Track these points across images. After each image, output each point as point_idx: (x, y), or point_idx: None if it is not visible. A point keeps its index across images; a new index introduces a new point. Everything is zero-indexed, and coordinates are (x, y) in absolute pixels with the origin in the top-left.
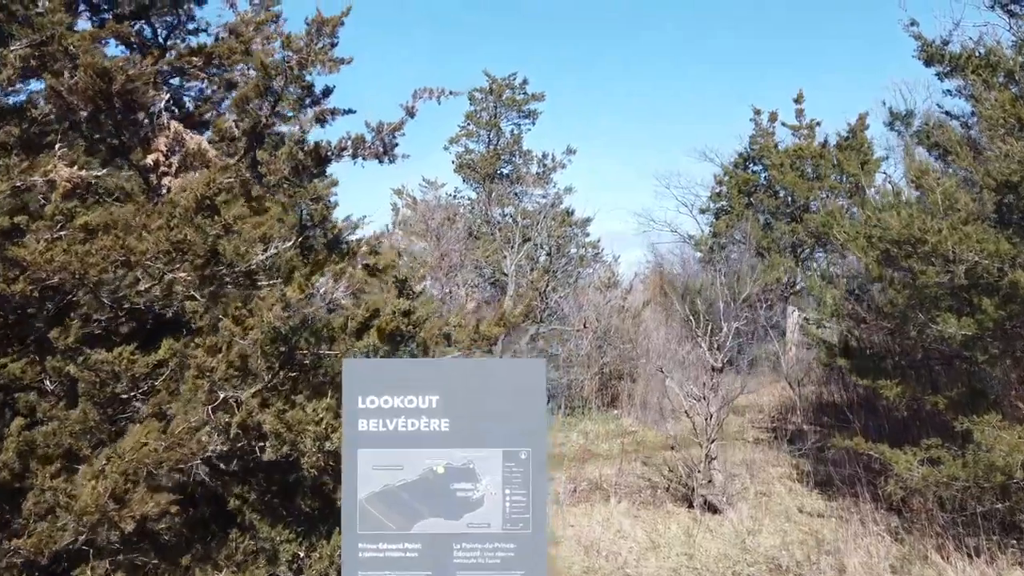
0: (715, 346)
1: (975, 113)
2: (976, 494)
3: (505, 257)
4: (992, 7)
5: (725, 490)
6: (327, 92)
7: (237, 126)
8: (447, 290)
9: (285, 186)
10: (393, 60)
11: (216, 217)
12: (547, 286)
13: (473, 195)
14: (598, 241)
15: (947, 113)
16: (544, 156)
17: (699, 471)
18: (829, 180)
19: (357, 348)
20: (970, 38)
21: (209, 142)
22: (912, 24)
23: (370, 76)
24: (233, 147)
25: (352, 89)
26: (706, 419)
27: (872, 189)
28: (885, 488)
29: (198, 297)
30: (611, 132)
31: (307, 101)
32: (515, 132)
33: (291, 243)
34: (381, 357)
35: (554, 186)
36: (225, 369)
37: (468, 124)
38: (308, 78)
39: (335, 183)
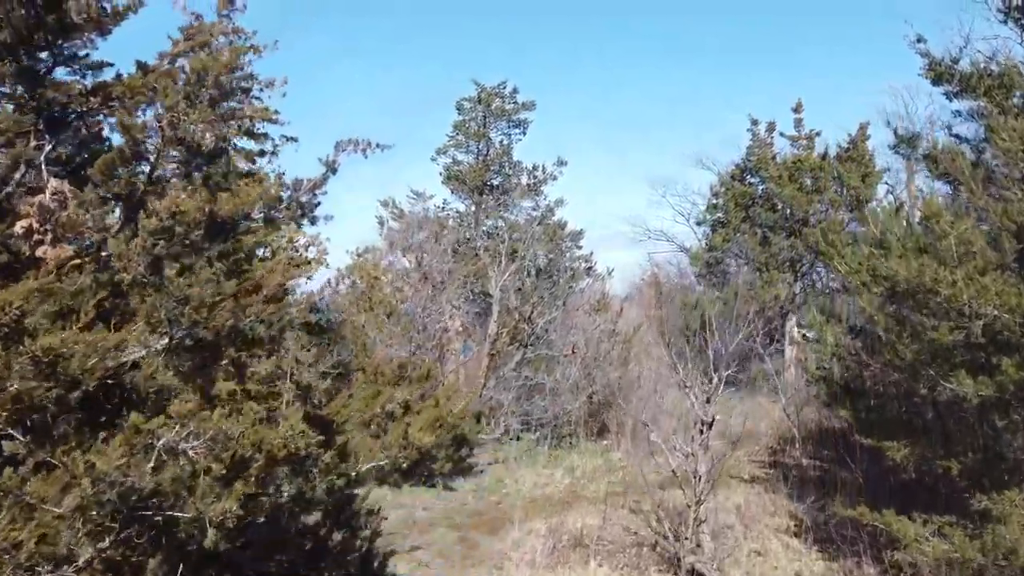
0: (706, 398)
1: (988, 139)
2: (995, 573)
3: (491, 277)
4: (1004, 21)
5: (715, 556)
6: (215, 154)
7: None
8: (428, 313)
9: (144, 282)
10: (376, 68)
11: (22, 347)
12: (533, 311)
13: (462, 207)
14: (590, 255)
15: (957, 136)
16: (534, 168)
17: (687, 536)
18: (830, 193)
19: (213, 512)
20: (979, 51)
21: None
22: (919, 41)
23: (350, 84)
24: (101, 220)
25: (325, 101)
26: (694, 476)
27: (875, 202)
28: (892, 555)
29: (17, 436)
30: (604, 138)
31: (194, 164)
32: (504, 143)
33: (157, 347)
34: (281, 486)
35: (544, 198)
36: (35, 545)
37: (456, 134)
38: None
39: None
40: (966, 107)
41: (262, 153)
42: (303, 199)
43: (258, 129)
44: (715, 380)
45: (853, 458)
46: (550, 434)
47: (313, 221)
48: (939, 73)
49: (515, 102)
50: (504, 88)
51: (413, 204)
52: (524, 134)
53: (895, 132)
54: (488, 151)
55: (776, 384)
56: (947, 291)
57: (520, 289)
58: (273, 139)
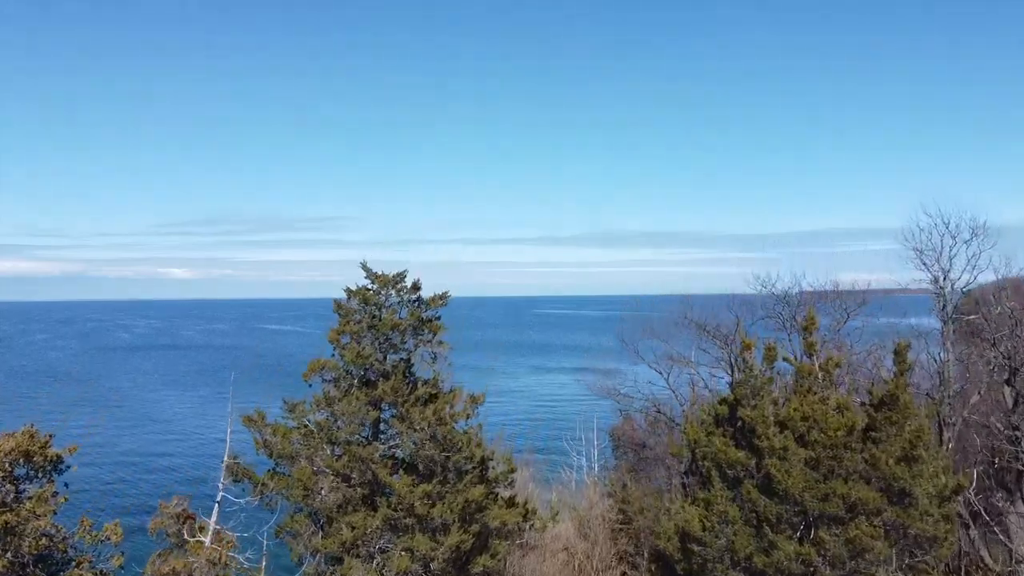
0: None
1: None
2: None
3: None
4: None
5: None
6: None
7: None
8: None
9: None
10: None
11: None
12: None
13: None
14: (525, 503)
15: None
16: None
17: None
18: (859, 489)
19: None
20: None
21: None
22: None
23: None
24: None
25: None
26: None
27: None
28: None
29: None
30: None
31: None
32: (401, 360)
33: None
34: None
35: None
36: None
37: (336, 349)
38: None
39: None
40: None
41: None
42: None
43: None
44: None
45: None
46: None
47: None
48: None
49: (419, 301)
50: (402, 279)
51: (286, 420)
52: (433, 335)
53: None
54: (383, 370)
55: None
56: None
57: None
58: None
